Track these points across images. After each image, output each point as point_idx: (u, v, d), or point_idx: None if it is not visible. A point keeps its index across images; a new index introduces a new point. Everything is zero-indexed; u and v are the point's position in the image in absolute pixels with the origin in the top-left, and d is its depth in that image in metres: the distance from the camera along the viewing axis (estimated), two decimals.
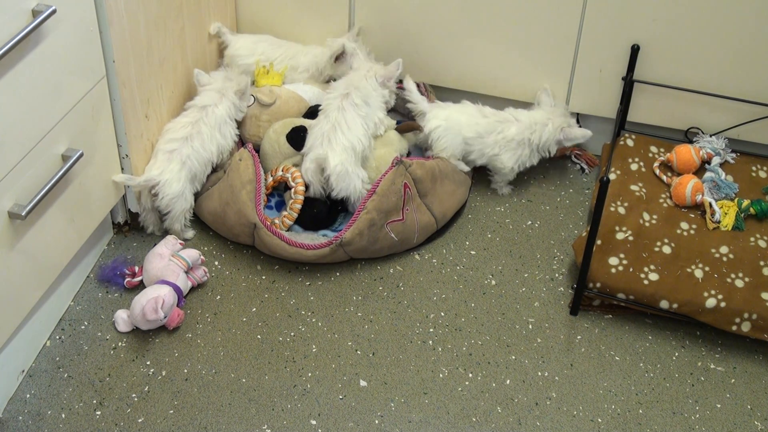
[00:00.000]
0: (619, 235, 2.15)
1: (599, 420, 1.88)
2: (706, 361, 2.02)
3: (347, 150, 2.16)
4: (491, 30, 2.43)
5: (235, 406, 1.87)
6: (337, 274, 2.18)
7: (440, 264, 2.23)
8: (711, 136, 2.42)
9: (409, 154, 2.35)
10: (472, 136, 2.33)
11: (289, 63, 2.46)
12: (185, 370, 1.94)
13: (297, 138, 2.27)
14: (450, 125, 2.32)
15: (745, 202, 2.23)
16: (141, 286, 2.11)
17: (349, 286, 2.16)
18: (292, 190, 2.19)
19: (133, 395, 1.89)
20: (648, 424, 1.87)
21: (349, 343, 2.01)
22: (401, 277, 2.19)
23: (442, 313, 2.10)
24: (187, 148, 2.15)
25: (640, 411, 1.90)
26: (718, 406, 1.92)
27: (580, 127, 2.42)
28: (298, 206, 2.18)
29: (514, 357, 2.01)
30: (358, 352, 2.00)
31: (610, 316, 2.12)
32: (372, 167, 2.23)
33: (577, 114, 2.51)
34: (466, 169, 2.38)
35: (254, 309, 2.09)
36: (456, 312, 2.11)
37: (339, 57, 2.44)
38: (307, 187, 2.20)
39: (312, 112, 2.39)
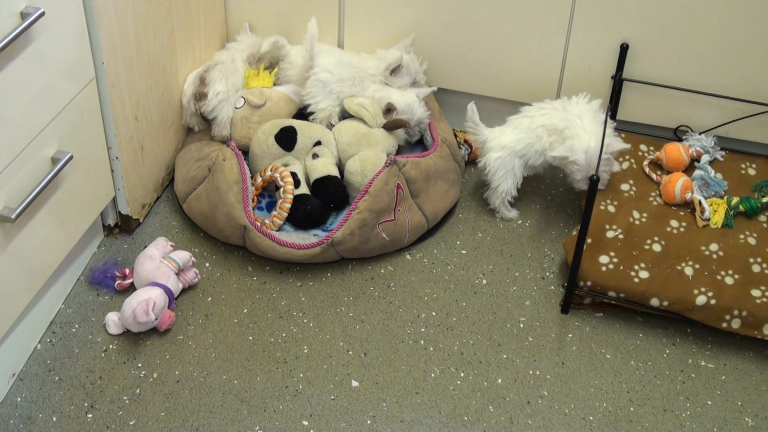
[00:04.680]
0: (610, 234, 2.15)
1: (591, 418, 1.88)
2: (696, 358, 2.02)
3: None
4: (479, 29, 2.43)
5: (226, 408, 1.87)
6: (329, 274, 2.18)
7: (431, 264, 2.23)
8: (700, 134, 2.42)
9: (398, 152, 2.35)
10: (523, 146, 2.27)
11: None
12: (176, 372, 1.93)
13: (286, 138, 2.26)
14: (506, 154, 2.28)
15: (735, 200, 2.22)
16: (132, 288, 2.10)
17: (340, 286, 2.16)
18: (281, 189, 2.18)
19: (125, 398, 1.88)
20: (639, 422, 1.87)
21: (341, 344, 2.01)
22: (392, 277, 2.19)
23: (434, 313, 2.10)
24: (221, 69, 2.35)
25: (631, 408, 1.90)
26: (709, 402, 1.92)
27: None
28: (288, 205, 2.17)
29: (505, 356, 2.01)
30: (350, 353, 1.99)
31: (601, 314, 2.12)
32: (357, 171, 2.23)
33: None
34: (514, 216, 2.36)
35: (245, 310, 2.08)
36: (447, 311, 2.11)
37: (395, 70, 2.39)
38: (296, 185, 2.19)
39: (302, 113, 2.39)
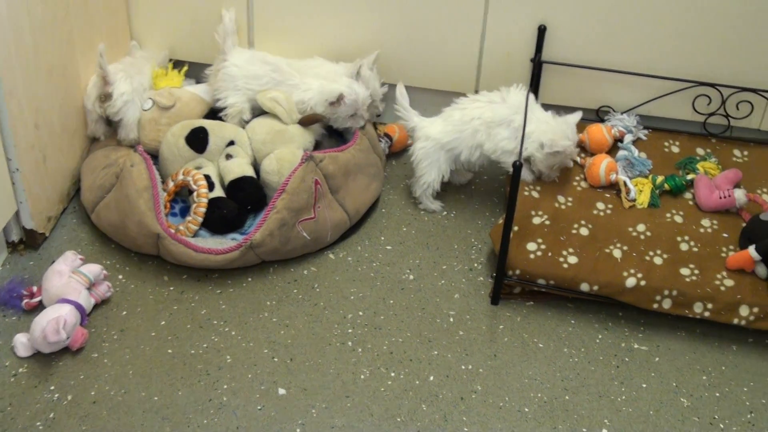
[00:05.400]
0: (536, 220, 2.14)
1: (526, 409, 1.87)
2: (629, 341, 2.03)
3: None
4: (397, 20, 2.42)
5: (147, 427, 1.80)
6: (249, 279, 2.14)
7: (356, 262, 2.21)
8: (622, 113, 2.43)
9: (317, 147, 2.32)
10: (449, 139, 2.24)
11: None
12: (92, 393, 1.87)
13: (197, 140, 2.23)
14: (431, 145, 2.25)
15: (660, 179, 2.24)
16: (41, 306, 2.02)
17: (262, 291, 2.11)
18: (195, 193, 2.15)
19: (38, 423, 1.80)
20: (575, 410, 1.87)
21: (265, 351, 1.97)
22: (316, 278, 2.15)
23: (361, 313, 2.07)
24: (125, 68, 2.32)
25: (567, 397, 1.90)
26: (644, 385, 1.93)
27: None
28: (203, 210, 2.14)
29: (436, 352, 1.98)
30: (275, 359, 1.95)
31: (532, 303, 2.11)
32: (274, 170, 2.19)
33: None
34: (437, 208, 2.34)
35: (163, 322, 2.03)
36: (374, 310, 2.08)
37: (334, 103, 2.27)
38: (210, 188, 2.15)
39: (213, 112, 2.35)
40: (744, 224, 2.13)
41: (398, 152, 2.52)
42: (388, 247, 2.25)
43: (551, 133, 2.17)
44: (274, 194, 2.14)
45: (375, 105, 2.43)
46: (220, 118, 2.33)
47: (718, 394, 1.91)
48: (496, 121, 2.20)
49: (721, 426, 1.84)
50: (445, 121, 2.26)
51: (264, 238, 2.08)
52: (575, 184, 2.26)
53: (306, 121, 2.28)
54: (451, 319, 2.06)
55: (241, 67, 2.31)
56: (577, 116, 2.23)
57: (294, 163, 2.16)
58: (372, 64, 2.40)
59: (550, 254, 2.06)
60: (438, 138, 2.25)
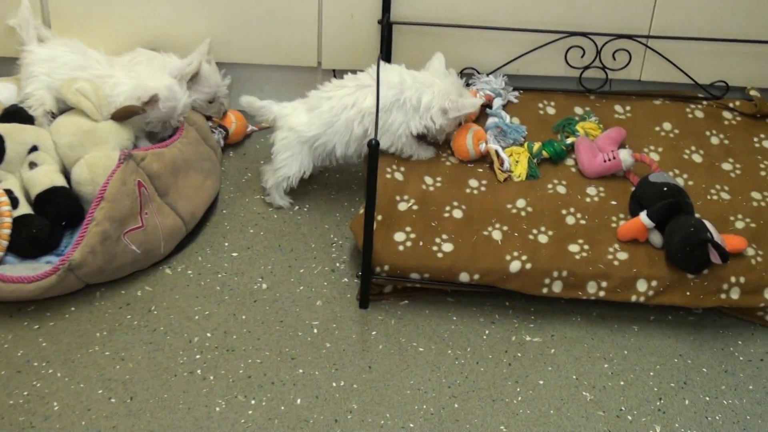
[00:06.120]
0: (402, 206, 2.05)
1: (411, 425, 1.76)
2: (520, 333, 1.96)
3: None
4: None
5: None
6: (72, 308, 1.99)
7: (197, 275, 2.09)
8: (488, 75, 2.36)
9: (136, 145, 2.19)
10: (316, 133, 2.12)
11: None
12: None
13: None
14: (293, 137, 2.14)
15: (536, 146, 2.16)
16: None
17: (89, 320, 1.96)
18: None
19: None
20: (466, 419, 1.78)
21: (100, 391, 1.81)
22: (152, 299, 2.03)
23: (209, 334, 1.94)
24: None
25: (456, 405, 1.80)
26: (541, 382, 1.85)
27: None
28: (7, 231, 1.97)
29: (301, 370, 1.87)
30: (112, 400, 1.79)
31: (406, 301, 2.04)
32: (86, 179, 2.04)
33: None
34: (286, 204, 2.22)
35: None
36: (225, 329, 1.96)
37: (148, 102, 2.12)
38: (14, 204, 1.97)
39: (9, 114, 2.15)
40: (633, 188, 2.08)
41: (237, 143, 2.39)
42: (234, 254, 2.14)
43: (446, 94, 2.08)
44: (90, 206, 1.96)
45: (220, 102, 2.28)
46: (21, 120, 2.12)
47: (622, 383, 1.85)
48: (385, 107, 2.08)
49: (629, 418, 1.78)
50: (310, 111, 2.13)
51: (85, 256, 1.91)
52: (443, 160, 2.17)
53: (120, 115, 2.11)
54: (316, 331, 1.96)
55: (38, 53, 2.21)
56: (441, 58, 2.15)
57: (109, 167, 2.01)
58: (208, 56, 2.25)
59: (421, 244, 1.97)
60: (301, 131, 2.13)
